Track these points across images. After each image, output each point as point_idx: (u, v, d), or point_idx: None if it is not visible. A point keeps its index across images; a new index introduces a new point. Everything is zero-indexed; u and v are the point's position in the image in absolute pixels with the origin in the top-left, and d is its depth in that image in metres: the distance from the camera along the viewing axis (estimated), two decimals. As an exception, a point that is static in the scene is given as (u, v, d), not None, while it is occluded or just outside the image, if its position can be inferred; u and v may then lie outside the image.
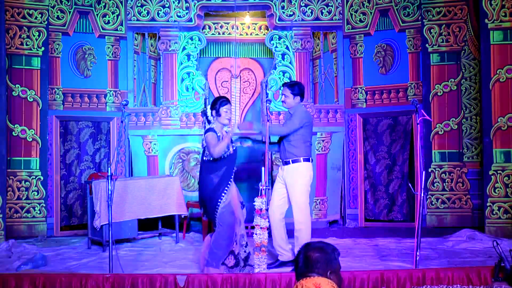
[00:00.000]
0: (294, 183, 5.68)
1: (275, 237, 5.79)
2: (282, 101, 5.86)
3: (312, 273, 2.70)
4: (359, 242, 7.20)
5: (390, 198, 8.61)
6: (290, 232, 5.86)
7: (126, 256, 6.45)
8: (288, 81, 7.96)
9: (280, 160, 5.94)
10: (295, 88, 5.82)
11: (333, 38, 9.14)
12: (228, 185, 5.29)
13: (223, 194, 5.24)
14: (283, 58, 8.95)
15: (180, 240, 7.43)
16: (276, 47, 8.99)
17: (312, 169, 5.86)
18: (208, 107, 5.48)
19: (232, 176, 5.36)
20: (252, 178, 8.07)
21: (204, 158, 5.36)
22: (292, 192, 5.67)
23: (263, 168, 5.37)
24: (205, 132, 5.32)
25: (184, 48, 8.92)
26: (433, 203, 8.24)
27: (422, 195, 5.24)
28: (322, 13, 8.92)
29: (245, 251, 5.38)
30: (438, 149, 8.26)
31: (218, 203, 5.24)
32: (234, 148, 5.41)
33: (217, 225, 5.28)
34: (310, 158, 5.79)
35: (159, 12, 8.86)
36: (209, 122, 5.44)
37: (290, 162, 5.70)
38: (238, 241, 5.31)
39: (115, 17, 8.71)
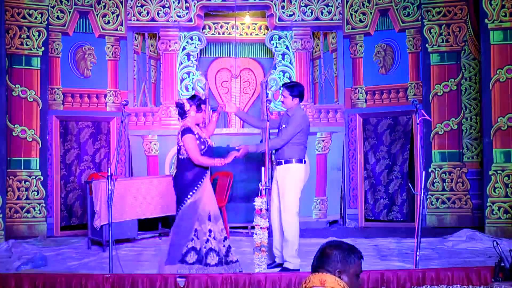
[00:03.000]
0: (284, 183, 5.67)
1: (275, 240, 5.78)
2: (281, 102, 5.84)
3: (322, 269, 2.66)
4: (359, 242, 7.15)
5: (390, 198, 8.61)
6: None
7: (126, 256, 6.44)
8: (288, 81, 7.96)
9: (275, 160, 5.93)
10: (295, 89, 5.76)
11: (333, 38, 9.14)
12: (201, 182, 5.29)
13: (194, 190, 5.24)
14: (283, 58, 8.96)
15: (180, 240, 7.41)
16: (276, 47, 8.99)
17: (304, 171, 5.85)
18: (184, 100, 5.39)
19: (207, 172, 5.37)
20: (252, 178, 8.07)
21: (180, 156, 5.33)
22: (282, 192, 5.67)
23: (263, 168, 5.37)
24: (183, 132, 5.26)
25: (184, 48, 8.92)
26: (433, 203, 8.24)
27: (422, 195, 5.23)
28: (322, 13, 8.92)
29: (224, 245, 5.36)
30: (438, 149, 8.26)
31: (186, 199, 5.24)
32: (209, 144, 5.39)
33: (178, 220, 5.27)
34: (304, 160, 5.78)
35: (159, 12, 8.86)
36: (182, 116, 5.36)
37: (283, 162, 5.68)
38: (199, 236, 5.25)
39: (115, 17, 8.71)
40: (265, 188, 5.23)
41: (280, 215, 5.67)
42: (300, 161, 5.70)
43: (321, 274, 2.62)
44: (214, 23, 9.80)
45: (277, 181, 5.71)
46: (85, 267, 5.95)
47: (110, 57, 8.69)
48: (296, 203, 5.69)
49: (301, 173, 5.76)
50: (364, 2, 8.80)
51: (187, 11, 8.89)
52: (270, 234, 5.56)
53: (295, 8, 8.90)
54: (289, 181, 5.67)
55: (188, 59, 8.94)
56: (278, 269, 5.66)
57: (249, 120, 6.06)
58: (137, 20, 8.83)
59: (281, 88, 5.89)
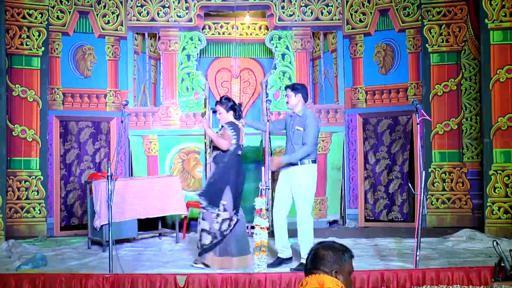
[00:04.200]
0: (302, 184, 5.71)
1: (279, 235, 5.80)
2: (286, 102, 5.84)
3: (318, 270, 2.69)
4: (359, 242, 7.19)
5: (390, 198, 8.61)
6: (292, 232, 5.90)
7: (126, 256, 6.44)
8: (289, 82, 8.06)
9: None
10: (295, 85, 5.91)
11: (333, 38, 9.14)
12: None
13: None
14: (283, 58, 8.95)
15: (180, 240, 7.42)
16: (276, 47, 8.99)
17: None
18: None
19: None
20: (252, 178, 8.06)
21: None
22: (300, 193, 5.70)
23: (263, 168, 5.37)
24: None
25: (184, 48, 8.92)
26: (433, 203, 8.24)
27: (422, 195, 5.24)
28: (322, 13, 8.92)
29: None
30: (438, 149, 8.26)
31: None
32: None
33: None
34: (317, 160, 5.84)
35: (159, 12, 8.86)
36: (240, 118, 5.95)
37: (298, 163, 5.70)
38: None
39: (115, 17, 8.71)
40: (265, 188, 5.24)
41: (289, 214, 5.74)
42: (314, 161, 5.80)
43: (319, 275, 2.64)
44: (214, 23, 9.80)
45: (291, 181, 5.71)
46: (85, 267, 5.95)
47: (110, 57, 8.69)
48: (312, 202, 5.81)
49: (316, 172, 5.85)
50: (364, 2, 8.80)
51: (187, 11, 8.89)
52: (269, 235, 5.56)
53: (295, 8, 8.90)
54: (308, 181, 5.73)
55: (188, 59, 8.94)
56: (289, 266, 5.66)
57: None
58: (137, 20, 8.83)
59: (285, 90, 5.94)
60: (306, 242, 5.65)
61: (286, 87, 5.92)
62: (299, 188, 5.69)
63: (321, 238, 7.00)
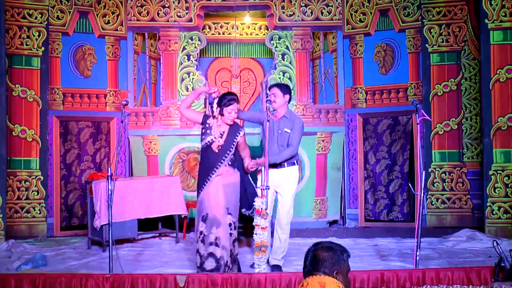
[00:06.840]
0: (289, 185, 5.77)
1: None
2: (272, 101, 5.80)
3: (318, 272, 2.71)
4: (359, 242, 7.20)
5: (390, 198, 8.61)
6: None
7: (126, 256, 6.44)
8: (289, 82, 8.06)
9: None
10: (282, 86, 5.92)
11: (333, 38, 9.14)
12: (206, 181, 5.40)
13: (200, 190, 5.43)
14: (283, 58, 8.95)
15: (180, 240, 7.43)
16: (276, 47, 8.99)
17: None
18: (215, 101, 5.51)
19: (212, 173, 5.41)
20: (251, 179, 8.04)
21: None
22: (286, 193, 5.75)
23: (262, 168, 5.38)
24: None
25: (184, 48, 8.92)
26: (433, 203, 8.24)
27: (422, 195, 5.24)
28: (322, 13, 8.92)
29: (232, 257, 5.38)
30: (438, 149, 8.26)
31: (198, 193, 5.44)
32: (209, 142, 5.41)
33: None
34: (298, 161, 6.00)
35: (159, 12, 8.86)
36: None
37: (285, 165, 5.75)
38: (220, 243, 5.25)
39: (115, 17, 8.71)
40: (265, 189, 5.25)
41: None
42: (297, 162, 5.91)
43: (320, 277, 2.65)
44: (214, 23, 9.80)
45: (278, 183, 5.73)
46: (85, 267, 5.95)
47: (110, 57, 8.69)
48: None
49: (298, 173, 5.93)
50: (364, 2, 8.80)
51: (187, 11, 8.89)
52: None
53: (295, 8, 8.90)
54: (294, 182, 5.81)
55: (188, 59, 8.93)
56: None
57: (244, 116, 6.24)
58: (137, 20, 8.83)
59: (269, 89, 5.91)
60: (285, 241, 5.72)
61: (273, 86, 5.91)
62: (287, 189, 5.75)
63: (321, 238, 7.01)
